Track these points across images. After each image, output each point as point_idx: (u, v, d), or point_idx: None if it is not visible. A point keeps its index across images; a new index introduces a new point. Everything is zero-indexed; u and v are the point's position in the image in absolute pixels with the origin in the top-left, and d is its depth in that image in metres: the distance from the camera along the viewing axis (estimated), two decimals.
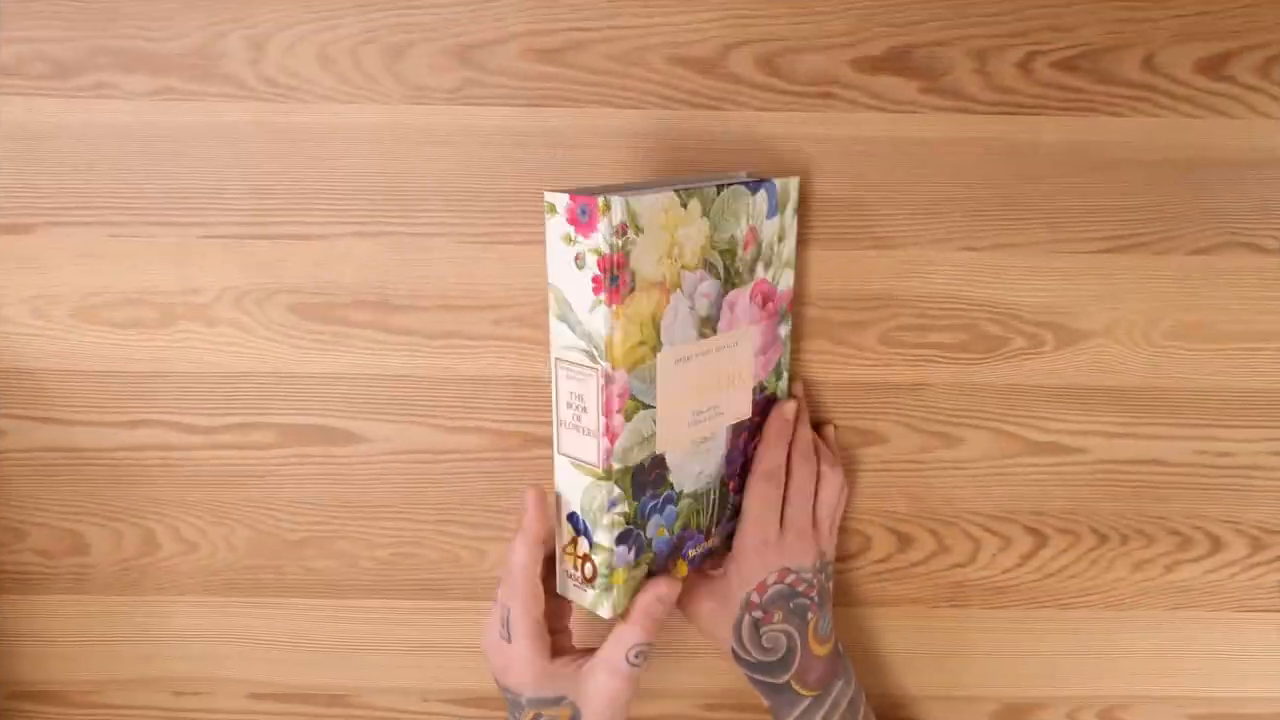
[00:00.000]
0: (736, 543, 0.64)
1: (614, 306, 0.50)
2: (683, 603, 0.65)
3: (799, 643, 0.63)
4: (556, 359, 0.54)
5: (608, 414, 0.52)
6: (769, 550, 0.63)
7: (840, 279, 0.67)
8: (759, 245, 0.59)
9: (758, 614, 0.63)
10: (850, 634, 0.73)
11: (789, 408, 0.64)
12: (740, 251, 0.58)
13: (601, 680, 0.57)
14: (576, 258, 0.50)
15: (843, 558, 0.72)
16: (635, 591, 0.57)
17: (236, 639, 0.72)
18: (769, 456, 0.63)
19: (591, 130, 0.65)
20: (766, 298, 0.61)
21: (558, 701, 0.58)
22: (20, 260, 0.66)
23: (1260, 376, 0.68)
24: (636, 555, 0.57)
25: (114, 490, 0.70)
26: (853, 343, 0.68)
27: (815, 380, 0.68)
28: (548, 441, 0.54)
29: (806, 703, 0.64)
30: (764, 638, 0.63)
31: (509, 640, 0.58)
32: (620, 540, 0.55)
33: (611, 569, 0.55)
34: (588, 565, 0.56)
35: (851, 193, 0.65)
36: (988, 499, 0.70)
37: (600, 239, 0.49)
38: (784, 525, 0.64)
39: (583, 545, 0.56)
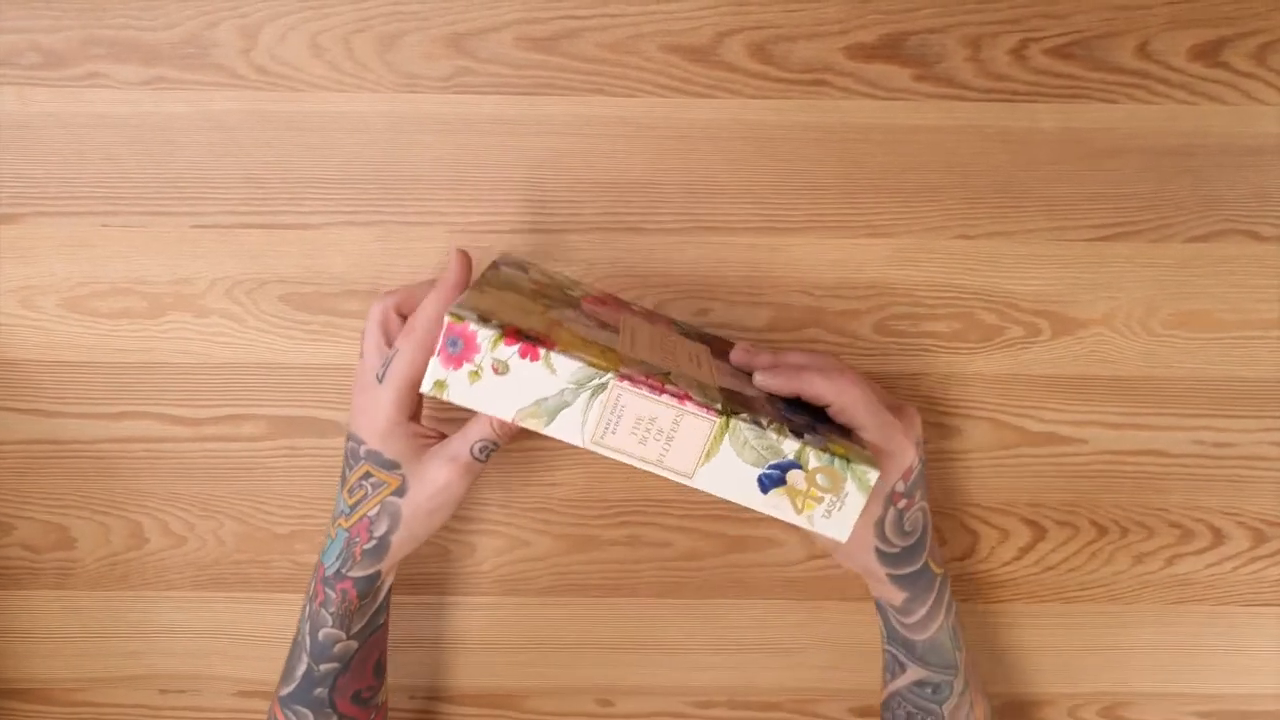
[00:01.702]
0: (865, 441, 0.57)
1: (553, 349, 0.49)
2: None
3: (928, 515, 0.62)
4: (595, 440, 0.51)
5: (681, 399, 0.50)
6: (899, 436, 0.58)
7: (834, 268, 0.66)
8: None
9: (901, 504, 0.59)
10: (848, 630, 0.72)
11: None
12: None
13: (439, 463, 0.58)
14: (494, 368, 0.49)
15: None
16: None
17: (224, 635, 0.71)
18: (837, 369, 0.58)
19: (585, 118, 0.64)
20: None
21: (393, 466, 0.58)
22: (9, 250, 0.66)
23: (1260, 366, 0.68)
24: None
25: (101, 483, 0.69)
26: (847, 332, 0.67)
27: None
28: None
29: (939, 579, 0.62)
30: (905, 523, 0.60)
31: (380, 382, 0.58)
32: (798, 434, 0.52)
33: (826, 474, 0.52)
34: (816, 490, 0.52)
35: (845, 181, 0.65)
36: (985, 491, 0.70)
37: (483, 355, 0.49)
38: (889, 408, 0.60)
39: (808, 478, 0.52)
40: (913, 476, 0.59)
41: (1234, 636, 0.72)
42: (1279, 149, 0.65)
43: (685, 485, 0.51)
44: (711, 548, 0.71)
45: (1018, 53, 0.64)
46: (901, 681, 0.64)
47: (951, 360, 0.68)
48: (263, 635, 0.71)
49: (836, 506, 0.51)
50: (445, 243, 0.66)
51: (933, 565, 0.61)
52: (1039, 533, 0.70)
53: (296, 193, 0.65)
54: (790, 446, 0.51)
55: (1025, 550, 0.71)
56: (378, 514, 0.58)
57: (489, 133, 0.65)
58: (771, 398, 0.58)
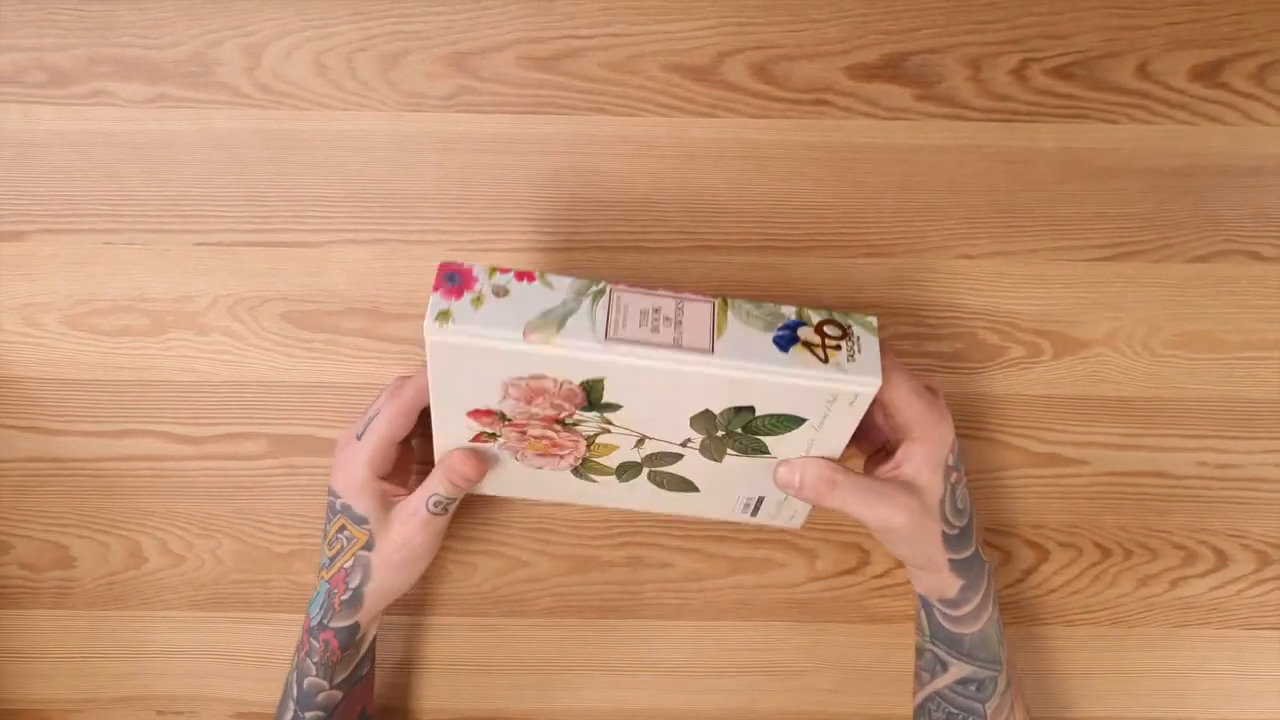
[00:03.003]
0: (912, 420, 0.56)
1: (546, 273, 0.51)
2: (874, 515, 0.56)
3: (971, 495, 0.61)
4: (610, 336, 0.51)
5: (675, 292, 0.53)
6: (940, 407, 0.58)
7: (835, 287, 0.66)
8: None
9: (954, 478, 0.58)
10: (849, 652, 0.71)
11: None
12: None
13: (400, 520, 0.60)
14: (495, 292, 0.50)
15: (841, 573, 0.70)
16: None
17: (222, 655, 0.71)
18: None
19: (587, 138, 0.65)
20: None
21: (362, 521, 0.60)
22: (12, 267, 0.66)
23: (1263, 386, 0.67)
24: None
25: (101, 502, 0.69)
26: None
27: None
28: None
29: (988, 567, 0.60)
30: (959, 499, 0.58)
31: (358, 439, 0.61)
32: None
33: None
34: (829, 339, 0.52)
35: (846, 200, 0.65)
36: (987, 512, 0.69)
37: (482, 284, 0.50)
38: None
39: (817, 330, 0.52)
40: (957, 449, 0.58)
41: (1238, 660, 0.71)
42: (1279, 169, 0.65)
43: (708, 369, 0.51)
44: (714, 569, 0.70)
45: (1018, 73, 0.64)
46: (942, 680, 0.62)
47: (953, 380, 0.68)
48: (261, 656, 0.71)
49: (855, 349, 0.51)
50: (447, 260, 0.65)
51: (981, 551, 0.60)
52: (1042, 554, 0.70)
53: (299, 211, 0.65)
54: (789, 309, 0.52)
55: (1028, 572, 0.70)
56: (352, 566, 0.61)
57: (491, 151, 0.65)
58: None
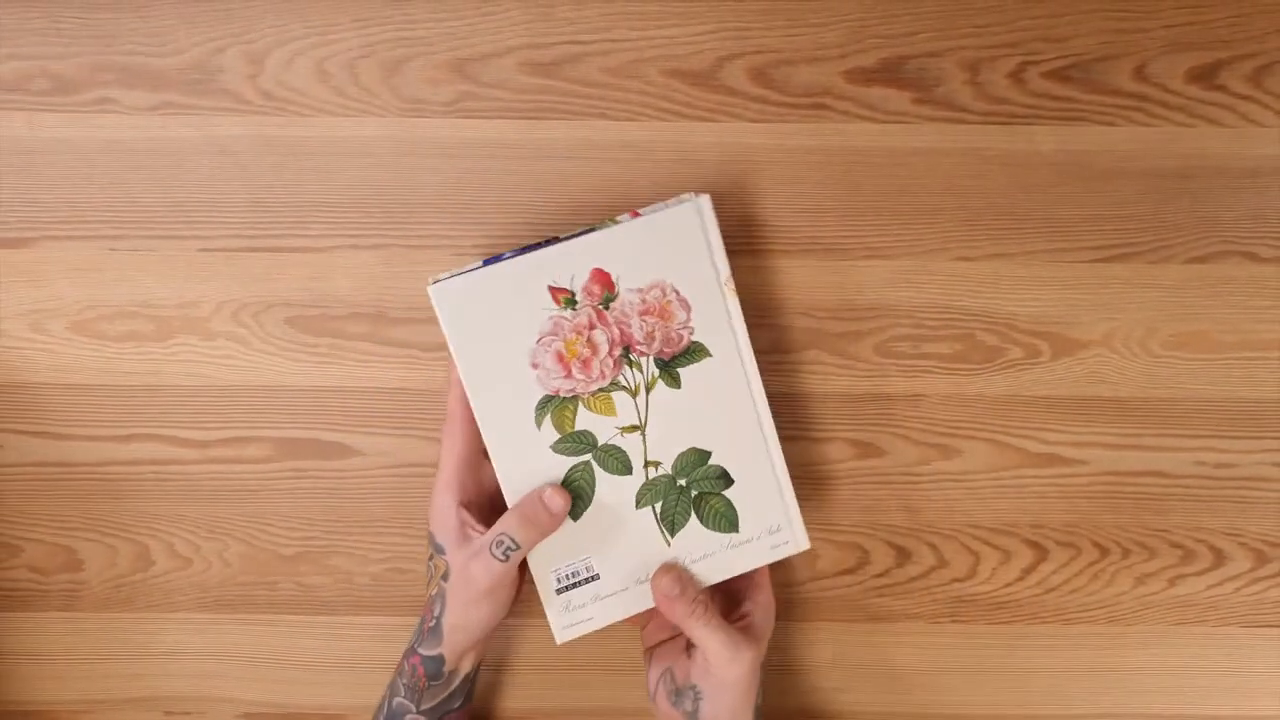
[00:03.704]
0: (761, 583, 0.65)
1: None
2: (726, 655, 0.60)
3: None
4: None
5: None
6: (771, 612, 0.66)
7: (835, 290, 0.67)
8: None
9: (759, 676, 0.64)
10: (850, 650, 0.72)
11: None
12: None
13: (468, 554, 0.59)
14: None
15: (841, 572, 0.71)
16: None
17: (229, 657, 0.72)
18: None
19: (587, 142, 0.65)
20: None
21: (440, 551, 0.61)
22: (18, 274, 0.66)
23: (1260, 386, 0.68)
24: None
25: (108, 505, 0.69)
26: (848, 354, 0.68)
27: (811, 392, 0.68)
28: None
29: None
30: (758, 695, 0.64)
31: (439, 471, 0.62)
32: None
33: None
34: None
35: (845, 203, 0.66)
36: (987, 512, 0.70)
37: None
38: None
39: None
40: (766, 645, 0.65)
41: (1235, 658, 0.72)
42: (1276, 170, 0.65)
43: None
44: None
45: (1016, 76, 0.64)
46: None
47: (952, 382, 0.68)
48: (268, 657, 0.72)
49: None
50: (449, 265, 0.66)
51: None
52: (1041, 554, 0.70)
53: (302, 216, 0.66)
54: None
55: (1027, 571, 0.71)
56: (436, 595, 0.61)
57: (492, 157, 0.65)
58: None
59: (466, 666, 0.63)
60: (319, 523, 0.70)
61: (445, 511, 0.61)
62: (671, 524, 0.62)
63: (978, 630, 0.72)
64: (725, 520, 0.63)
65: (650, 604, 0.63)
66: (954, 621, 0.71)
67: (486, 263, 0.59)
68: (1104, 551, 0.70)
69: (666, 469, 0.62)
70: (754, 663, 0.61)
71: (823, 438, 0.69)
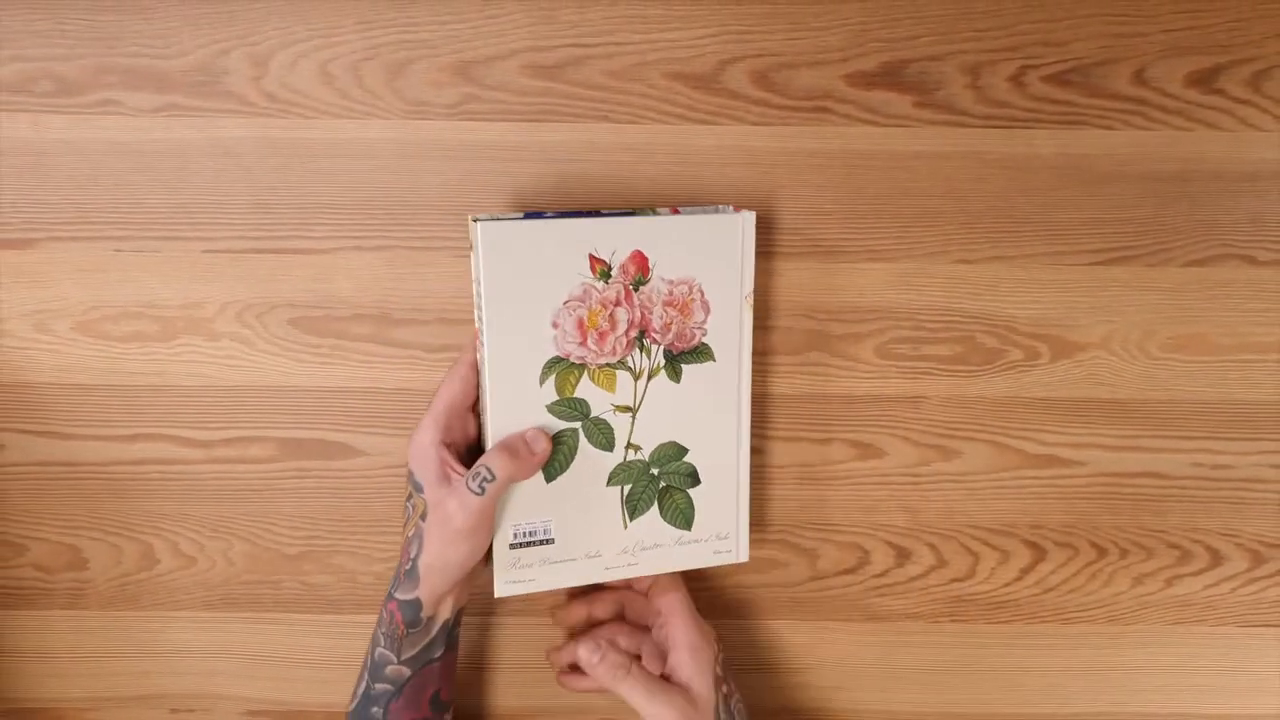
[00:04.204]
0: (680, 638, 0.65)
1: None
2: (653, 710, 0.62)
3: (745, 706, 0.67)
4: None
5: None
6: (702, 623, 0.66)
7: (836, 292, 0.67)
8: None
9: (724, 688, 0.65)
10: (850, 649, 0.73)
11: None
12: None
13: (446, 491, 0.59)
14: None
15: (841, 572, 0.71)
16: None
17: (234, 655, 0.72)
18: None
19: (590, 145, 0.65)
20: None
21: (419, 489, 0.60)
22: (23, 275, 0.67)
23: (1257, 389, 0.68)
24: None
25: (113, 504, 0.70)
26: (849, 355, 0.68)
27: (812, 394, 0.69)
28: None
29: None
30: (734, 713, 0.65)
31: (428, 409, 0.62)
32: None
33: None
34: None
35: (846, 206, 0.66)
36: (986, 512, 0.70)
37: None
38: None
39: None
40: (721, 660, 0.66)
41: (1232, 657, 0.72)
42: (1274, 174, 0.66)
43: None
44: (715, 568, 0.71)
45: (1016, 80, 0.65)
46: None
47: (952, 383, 0.69)
48: (272, 655, 0.72)
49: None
50: (451, 267, 0.66)
51: None
52: (1039, 554, 0.71)
53: (305, 218, 0.66)
54: None
55: (1025, 571, 0.71)
56: (412, 536, 0.61)
57: (495, 159, 0.66)
58: None
59: (445, 612, 0.62)
60: (322, 522, 0.70)
61: (427, 449, 0.60)
62: (634, 508, 0.64)
63: (977, 630, 0.72)
64: (683, 517, 0.65)
65: (589, 581, 0.65)
66: (953, 621, 0.72)
67: (527, 215, 0.60)
68: (1102, 552, 0.71)
69: (644, 455, 0.63)
70: (688, 713, 0.62)
71: (823, 438, 0.69)
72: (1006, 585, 0.71)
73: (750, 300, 0.63)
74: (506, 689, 0.74)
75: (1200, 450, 0.69)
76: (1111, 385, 0.68)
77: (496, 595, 0.63)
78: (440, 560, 0.60)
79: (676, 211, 0.62)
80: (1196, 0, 0.63)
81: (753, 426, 0.68)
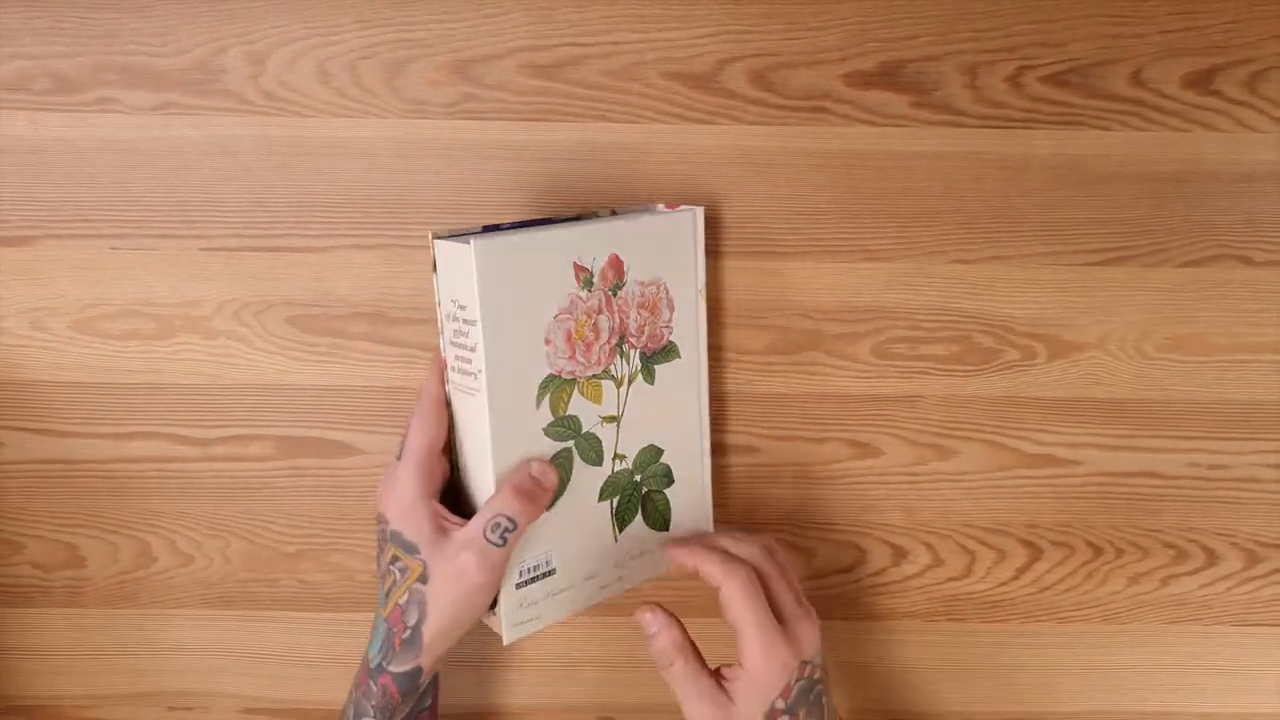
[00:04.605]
0: (744, 658, 0.56)
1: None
2: (687, 711, 0.58)
3: None
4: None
5: None
6: (781, 650, 0.56)
7: (833, 292, 0.67)
8: None
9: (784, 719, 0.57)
10: (846, 648, 0.73)
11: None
12: None
13: (455, 548, 0.54)
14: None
15: (838, 571, 0.72)
16: None
17: (231, 653, 0.72)
18: (724, 567, 0.57)
19: (588, 144, 0.65)
20: None
21: (414, 550, 0.55)
22: (20, 272, 0.67)
23: (1252, 389, 0.69)
24: None
25: (110, 502, 0.70)
26: (846, 355, 0.68)
27: (809, 393, 0.69)
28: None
29: None
30: None
31: (398, 459, 0.57)
32: None
33: None
34: None
35: (844, 206, 0.66)
36: (982, 511, 0.70)
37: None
38: (781, 618, 0.57)
39: None
40: (793, 694, 0.57)
41: (1227, 656, 0.73)
42: (1270, 175, 0.66)
43: None
44: None
45: (1014, 80, 0.65)
46: None
47: (949, 383, 0.69)
48: (269, 653, 0.72)
49: None
50: None
51: None
52: (1035, 553, 0.71)
53: (303, 216, 0.66)
54: None
55: (1021, 570, 0.71)
56: (407, 602, 0.56)
57: (493, 158, 0.66)
58: None
59: (438, 667, 0.59)
60: (320, 520, 0.70)
61: (415, 504, 0.56)
62: (622, 519, 0.63)
63: (972, 628, 0.72)
64: (661, 518, 0.65)
65: (587, 605, 0.62)
66: (949, 620, 0.72)
67: (485, 229, 0.56)
68: (1098, 551, 0.71)
69: (629, 463, 0.63)
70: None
71: (820, 438, 0.70)
72: (1002, 584, 0.72)
73: (704, 294, 0.64)
74: (507, 689, 0.74)
75: (1196, 450, 0.70)
76: (1108, 385, 0.69)
77: (506, 643, 0.59)
78: (451, 621, 0.55)
79: (614, 214, 0.62)
80: (1193, 1, 0.63)
81: (751, 426, 0.68)
